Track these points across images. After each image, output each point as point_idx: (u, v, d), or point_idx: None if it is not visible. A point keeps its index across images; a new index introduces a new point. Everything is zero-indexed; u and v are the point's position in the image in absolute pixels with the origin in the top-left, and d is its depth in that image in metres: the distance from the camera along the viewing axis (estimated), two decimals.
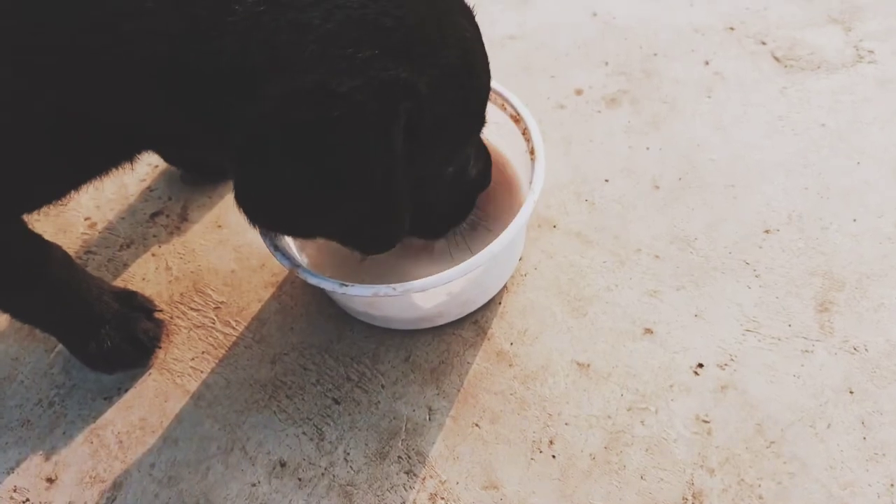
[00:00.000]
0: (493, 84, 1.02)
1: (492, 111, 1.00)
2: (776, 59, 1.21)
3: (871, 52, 1.19)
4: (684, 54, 1.24)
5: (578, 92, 1.22)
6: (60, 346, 1.07)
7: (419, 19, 0.69)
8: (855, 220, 1.03)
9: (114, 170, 0.85)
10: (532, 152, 0.95)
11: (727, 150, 1.12)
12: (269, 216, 0.76)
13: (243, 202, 0.74)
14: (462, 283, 0.93)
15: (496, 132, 1.01)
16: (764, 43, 1.23)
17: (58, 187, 0.82)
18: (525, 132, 0.98)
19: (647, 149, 1.14)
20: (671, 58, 1.24)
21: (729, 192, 1.08)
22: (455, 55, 0.73)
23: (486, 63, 0.81)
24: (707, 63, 1.23)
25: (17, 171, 0.76)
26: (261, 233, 0.92)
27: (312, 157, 0.68)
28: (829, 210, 1.04)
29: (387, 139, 0.68)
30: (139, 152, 0.87)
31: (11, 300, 0.94)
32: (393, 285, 0.85)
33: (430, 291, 0.89)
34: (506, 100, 1.00)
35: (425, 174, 0.80)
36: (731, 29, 1.26)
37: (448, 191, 0.89)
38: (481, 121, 0.83)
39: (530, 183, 0.92)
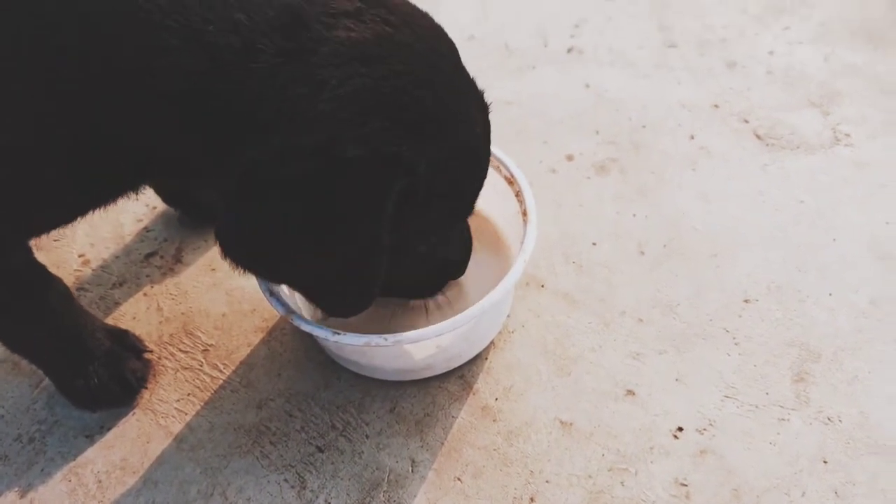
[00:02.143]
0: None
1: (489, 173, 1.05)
2: (758, 136, 1.27)
3: (847, 135, 1.25)
4: (671, 128, 1.30)
5: (570, 158, 1.27)
6: (45, 382, 1.07)
7: (434, 103, 0.72)
8: (831, 295, 1.07)
9: (120, 198, 0.87)
10: (525, 214, 0.99)
11: (710, 220, 1.17)
12: (247, 255, 0.77)
13: (224, 236, 0.75)
14: (451, 337, 0.95)
15: (490, 192, 1.05)
16: (747, 121, 1.30)
17: (67, 212, 0.84)
18: (518, 194, 1.02)
19: (634, 215, 1.18)
20: (659, 131, 1.30)
21: (711, 261, 1.12)
22: (460, 146, 0.77)
23: (488, 159, 0.84)
24: (692, 137, 1.28)
25: (32, 194, 0.78)
26: (258, 277, 0.94)
27: (302, 209, 0.71)
28: (807, 283, 1.08)
29: (376, 211, 0.71)
30: (146, 181, 0.90)
31: (7, 326, 0.94)
32: (384, 335, 0.87)
33: (420, 343, 0.91)
34: (501, 162, 1.04)
35: (402, 244, 0.81)
36: (716, 107, 1.33)
37: (419, 265, 0.91)
38: (469, 210, 0.86)
39: (521, 243, 0.96)
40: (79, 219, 0.85)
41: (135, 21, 0.67)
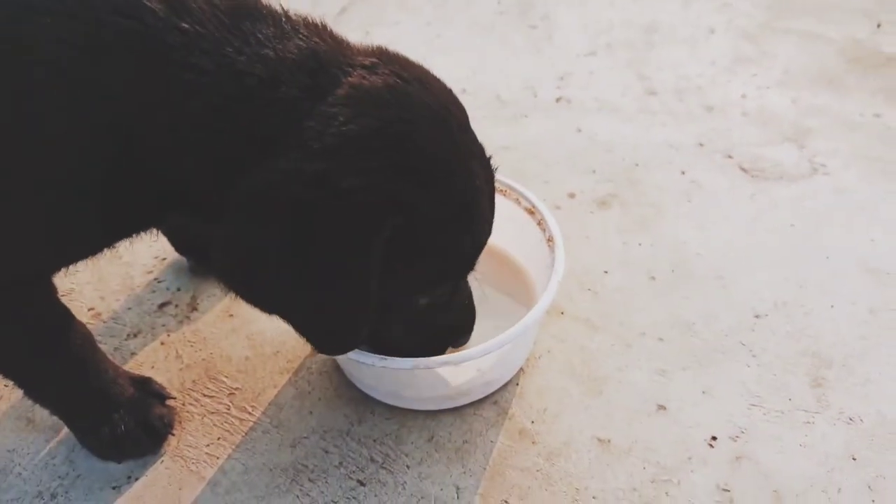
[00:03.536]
0: (509, 180, 1.12)
1: (506, 206, 1.10)
2: (743, 170, 1.37)
3: (823, 165, 1.36)
4: (662, 165, 1.39)
5: (571, 195, 1.34)
6: (62, 436, 1.04)
7: (436, 154, 0.75)
8: (833, 307, 1.14)
9: (140, 232, 0.87)
10: (550, 240, 1.03)
11: (711, 246, 1.24)
12: (241, 279, 0.77)
13: (221, 260, 0.76)
14: (491, 360, 0.97)
15: (508, 224, 1.09)
16: (731, 157, 1.39)
17: (89, 244, 0.83)
18: (541, 223, 1.07)
19: (640, 245, 1.25)
20: (651, 168, 1.38)
21: (718, 283, 1.18)
22: (459, 199, 0.77)
23: (491, 216, 0.84)
24: (683, 173, 1.37)
25: (57, 224, 0.77)
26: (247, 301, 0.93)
27: (293, 232, 0.72)
28: (809, 298, 1.15)
29: (366, 243, 0.72)
30: (165, 217, 0.89)
31: (29, 370, 0.92)
32: (433, 357, 0.88)
33: (462, 367, 0.93)
34: (520, 194, 1.09)
35: (396, 295, 0.82)
36: (701, 145, 1.42)
37: (416, 323, 0.89)
38: (469, 266, 0.85)
39: (551, 266, 1.00)
40: (98, 253, 0.85)
41: (172, 45, 0.71)
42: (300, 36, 0.75)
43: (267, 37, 0.73)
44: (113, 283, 1.26)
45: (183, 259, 1.27)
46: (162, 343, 1.16)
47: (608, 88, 1.57)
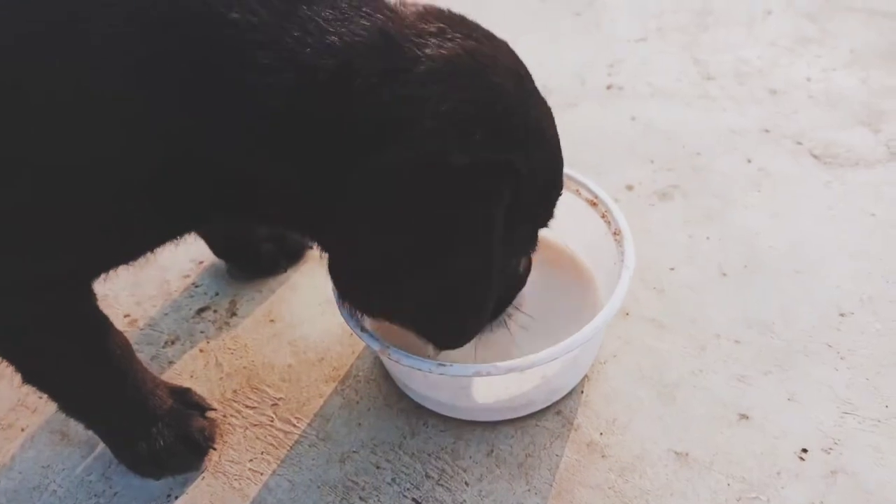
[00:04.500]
0: (567, 170, 1.04)
1: (566, 197, 1.01)
2: (815, 156, 1.27)
3: None
4: (726, 152, 1.29)
5: (629, 187, 1.25)
6: (97, 452, 0.98)
7: (527, 113, 0.72)
8: None
9: (187, 234, 0.82)
10: (616, 233, 0.95)
11: (785, 238, 1.14)
12: (366, 287, 0.75)
13: (338, 272, 0.73)
14: (557, 366, 0.89)
15: (565, 217, 1.01)
16: (800, 143, 1.29)
17: (141, 244, 0.78)
18: (605, 215, 0.98)
19: (707, 238, 1.15)
20: (714, 156, 1.29)
21: (796, 278, 1.08)
22: (549, 155, 0.78)
23: (563, 165, 0.84)
24: (750, 161, 1.27)
25: (105, 222, 0.71)
26: (347, 315, 0.88)
27: (417, 227, 0.68)
28: None
29: (492, 217, 0.69)
30: (215, 218, 0.85)
31: (65, 382, 0.86)
32: (496, 364, 0.81)
33: (527, 373, 0.85)
34: (581, 184, 1.01)
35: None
36: (767, 131, 1.32)
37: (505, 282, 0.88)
38: (551, 215, 0.84)
39: (618, 262, 0.91)
40: (143, 255, 0.79)
41: (228, 39, 0.64)
42: (361, 13, 0.67)
43: (328, 20, 0.66)
44: (149, 289, 1.20)
45: (221, 263, 1.21)
46: (201, 350, 1.10)
47: (662, 74, 1.47)
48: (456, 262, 0.70)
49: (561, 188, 0.83)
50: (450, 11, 0.73)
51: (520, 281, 0.92)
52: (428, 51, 0.67)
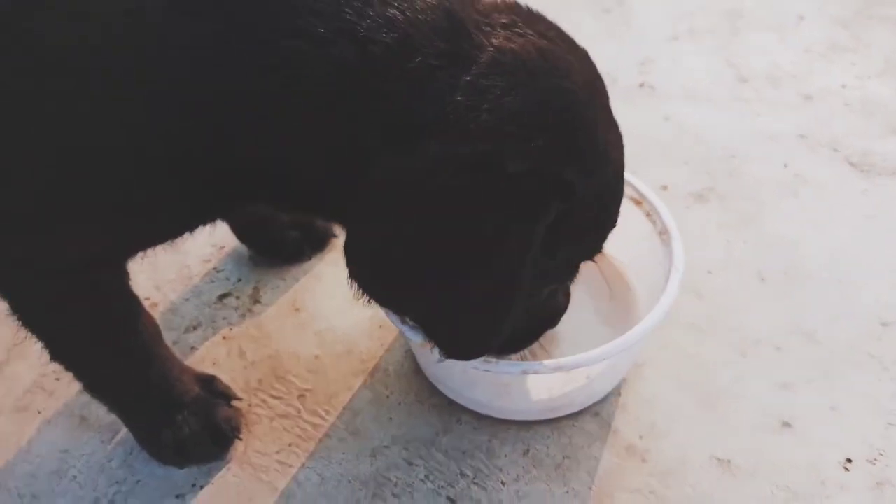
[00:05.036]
0: None
1: None
2: (851, 164, 1.25)
3: None
4: (762, 156, 1.27)
5: (664, 188, 1.23)
6: (119, 436, 0.95)
7: (596, 128, 0.67)
8: None
9: (214, 220, 0.79)
10: (662, 233, 0.93)
11: (824, 245, 1.12)
12: (380, 275, 0.69)
13: (356, 258, 0.67)
14: (601, 367, 0.86)
15: None
16: (836, 150, 1.27)
17: (174, 226, 0.75)
18: (650, 214, 0.96)
19: (745, 242, 1.13)
20: (750, 160, 1.27)
21: (838, 287, 1.06)
22: (610, 179, 0.71)
23: (622, 197, 0.77)
24: (786, 165, 1.25)
25: (138, 201, 0.68)
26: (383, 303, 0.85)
27: (449, 224, 0.63)
28: None
29: (531, 232, 0.64)
30: (247, 202, 0.82)
31: (93, 362, 0.83)
32: (542, 362, 0.79)
33: (572, 373, 0.83)
34: (626, 182, 0.98)
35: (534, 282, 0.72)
36: (803, 136, 1.31)
37: (532, 309, 0.80)
38: (599, 248, 0.77)
39: (665, 262, 0.89)
40: (175, 238, 0.76)
41: (278, 3, 0.60)
42: None
43: None
44: (169, 273, 1.16)
45: (243, 248, 1.17)
46: (224, 338, 1.07)
47: (695, 75, 1.45)
48: (480, 272, 0.65)
49: (616, 222, 0.76)
50: (528, 7, 0.69)
51: (554, 315, 0.86)
52: (495, 41, 0.63)
